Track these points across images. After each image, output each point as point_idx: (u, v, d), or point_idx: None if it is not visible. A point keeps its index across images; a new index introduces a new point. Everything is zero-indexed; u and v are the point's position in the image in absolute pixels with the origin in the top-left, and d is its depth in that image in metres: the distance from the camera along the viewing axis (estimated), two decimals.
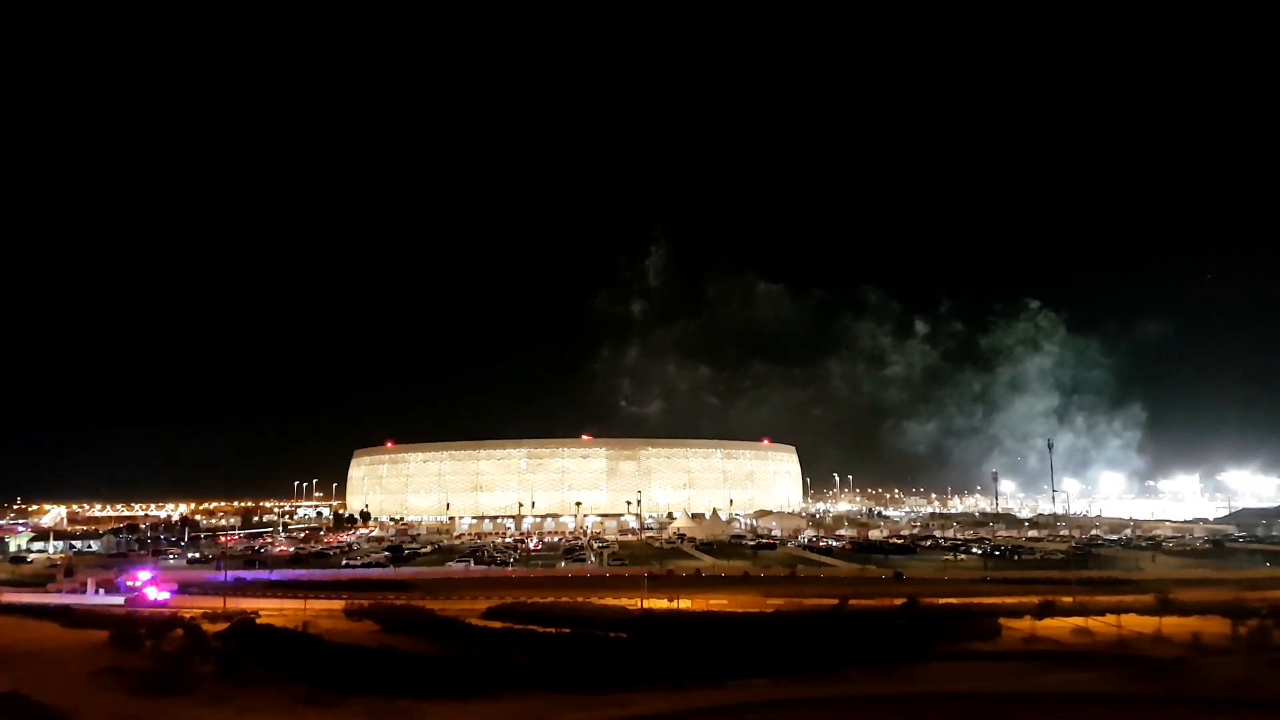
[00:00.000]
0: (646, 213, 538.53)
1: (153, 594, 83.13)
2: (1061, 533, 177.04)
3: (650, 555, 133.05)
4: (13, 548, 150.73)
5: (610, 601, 76.04)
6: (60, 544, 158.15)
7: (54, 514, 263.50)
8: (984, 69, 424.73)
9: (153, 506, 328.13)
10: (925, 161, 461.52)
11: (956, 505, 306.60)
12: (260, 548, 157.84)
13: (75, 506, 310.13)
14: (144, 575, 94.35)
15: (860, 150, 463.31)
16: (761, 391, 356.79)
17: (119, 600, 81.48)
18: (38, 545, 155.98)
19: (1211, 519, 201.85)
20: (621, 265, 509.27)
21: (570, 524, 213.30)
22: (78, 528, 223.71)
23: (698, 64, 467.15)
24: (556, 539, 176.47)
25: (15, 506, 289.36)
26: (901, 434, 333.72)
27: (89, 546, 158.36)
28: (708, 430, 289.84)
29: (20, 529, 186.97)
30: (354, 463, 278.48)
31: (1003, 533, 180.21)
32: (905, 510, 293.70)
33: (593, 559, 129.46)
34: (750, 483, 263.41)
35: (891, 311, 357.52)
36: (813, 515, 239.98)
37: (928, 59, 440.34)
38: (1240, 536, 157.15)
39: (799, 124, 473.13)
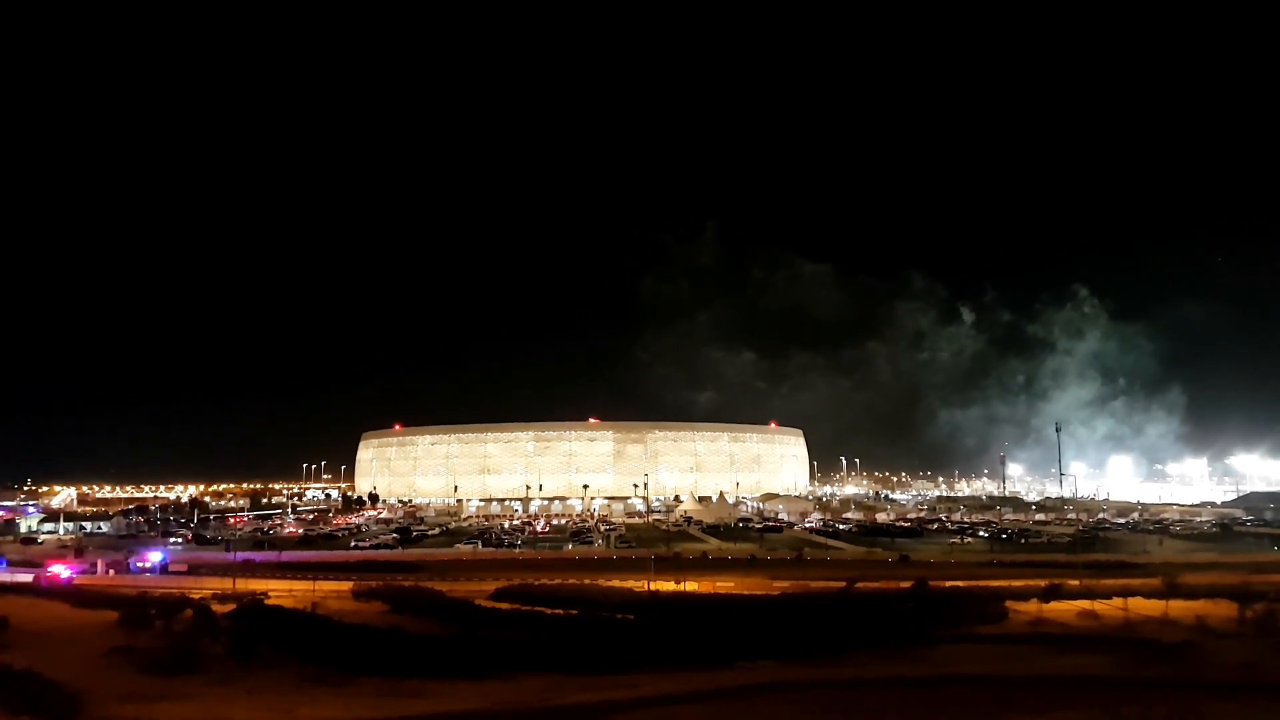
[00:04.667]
0: (664, 196, 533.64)
1: (61, 572, 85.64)
2: (1069, 516, 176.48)
3: (657, 538, 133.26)
4: (23, 529, 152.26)
5: (617, 583, 76.15)
6: (70, 525, 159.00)
7: (64, 495, 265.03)
8: (1033, 55, 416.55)
9: (162, 488, 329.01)
10: (970, 151, 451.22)
11: (963, 489, 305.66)
12: (269, 529, 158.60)
13: (85, 488, 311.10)
14: (155, 556, 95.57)
15: (903, 139, 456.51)
16: (806, 377, 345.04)
17: (28, 578, 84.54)
18: (48, 526, 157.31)
19: (1220, 503, 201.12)
20: (639, 249, 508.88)
21: (577, 507, 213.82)
22: (88, 509, 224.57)
23: (744, 48, 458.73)
24: (564, 521, 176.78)
25: (26, 488, 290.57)
26: (934, 419, 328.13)
27: (99, 528, 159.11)
28: (717, 414, 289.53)
29: (31, 510, 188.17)
30: (362, 445, 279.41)
31: (1010, 516, 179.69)
32: (912, 494, 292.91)
33: (600, 541, 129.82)
34: (757, 466, 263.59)
35: (937, 297, 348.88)
36: (819, 499, 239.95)
37: (976, 46, 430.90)
38: (1248, 520, 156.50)
39: (844, 112, 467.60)
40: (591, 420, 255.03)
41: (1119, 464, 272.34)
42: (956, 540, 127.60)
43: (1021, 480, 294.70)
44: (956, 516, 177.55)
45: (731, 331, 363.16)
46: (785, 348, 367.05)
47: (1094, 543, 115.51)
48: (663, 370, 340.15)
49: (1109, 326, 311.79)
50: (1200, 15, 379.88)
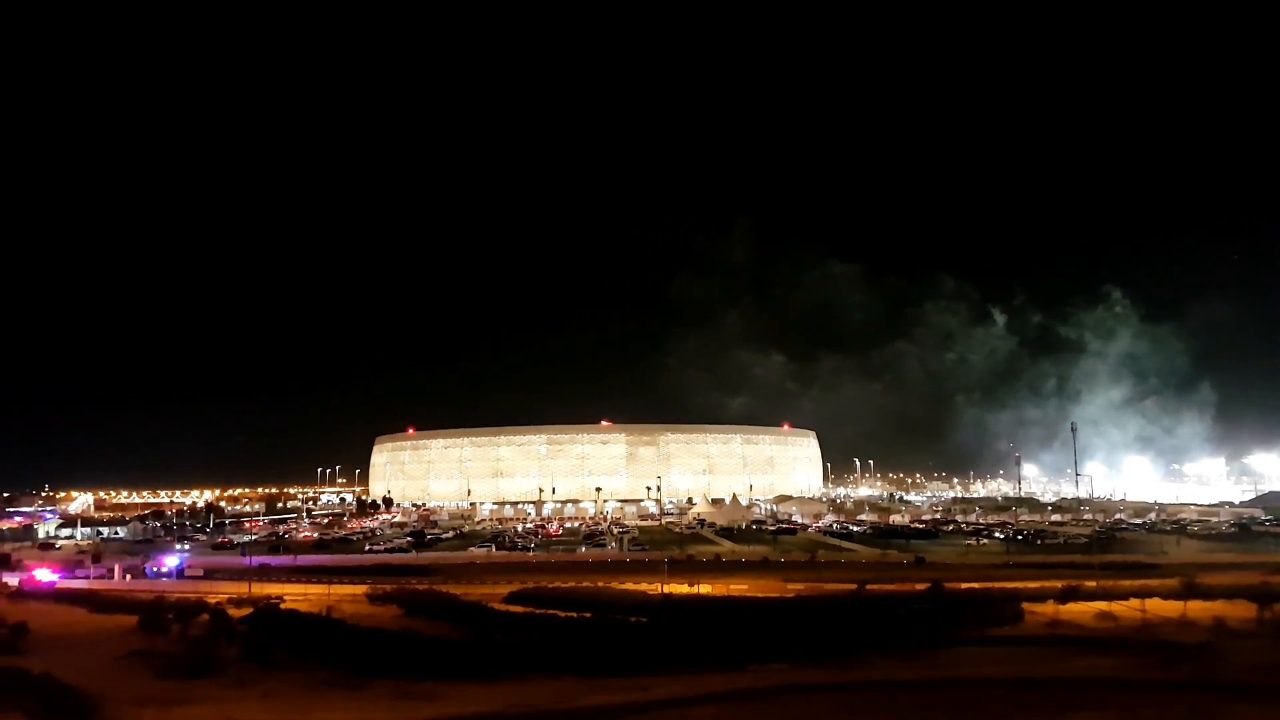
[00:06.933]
0: (688, 196, 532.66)
1: (39, 575, 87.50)
2: (1085, 517, 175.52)
3: (670, 540, 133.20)
4: (41, 534, 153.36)
5: (630, 586, 76.24)
6: (87, 530, 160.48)
7: (81, 501, 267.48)
8: (1065, 54, 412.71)
9: (178, 493, 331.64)
10: (1002, 152, 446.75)
11: (979, 490, 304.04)
12: (284, 533, 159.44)
13: (102, 493, 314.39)
14: (171, 561, 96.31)
15: (935, 139, 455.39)
16: (832, 378, 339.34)
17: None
18: (65, 532, 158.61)
19: (1238, 502, 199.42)
20: (650, 249, 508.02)
21: (590, 509, 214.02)
22: (105, 514, 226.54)
23: (776, 46, 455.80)
24: (577, 524, 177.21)
25: (43, 493, 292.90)
26: (959, 421, 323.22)
27: (116, 533, 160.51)
28: (741, 415, 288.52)
29: (48, 516, 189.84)
30: (376, 449, 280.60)
31: (1026, 517, 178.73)
32: (927, 495, 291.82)
33: (613, 544, 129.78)
34: (770, 468, 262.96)
35: (967, 299, 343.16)
36: (833, 500, 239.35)
37: (1008, 46, 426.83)
38: (1267, 520, 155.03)
39: (876, 111, 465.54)
40: (604, 423, 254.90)
41: (1136, 464, 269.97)
42: (972, 542, 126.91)
43: (1037, 481, 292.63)
44: (972, 518, 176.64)
45: (757, 332, 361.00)
46: (812, 349, 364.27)
47: (1111, 543, 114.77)
48: (687, 372, 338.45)
49: (1140, 327, 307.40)
50: (1236, 14, 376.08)
